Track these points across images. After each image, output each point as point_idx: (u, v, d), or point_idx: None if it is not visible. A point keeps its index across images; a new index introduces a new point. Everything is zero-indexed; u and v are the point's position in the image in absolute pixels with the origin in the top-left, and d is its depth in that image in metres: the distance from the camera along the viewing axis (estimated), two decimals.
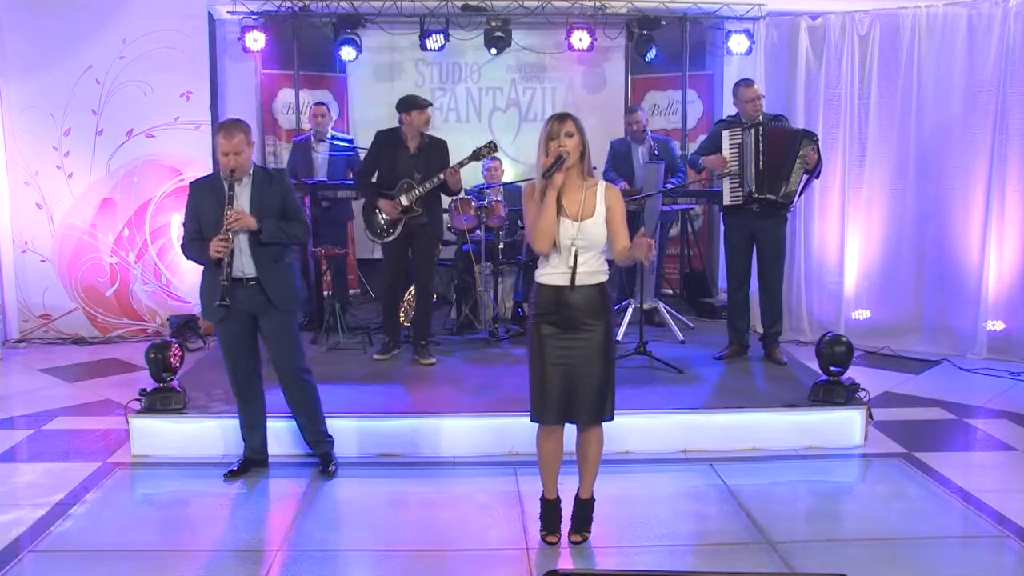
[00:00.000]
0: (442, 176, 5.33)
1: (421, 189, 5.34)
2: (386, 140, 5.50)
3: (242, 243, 3.95)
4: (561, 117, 3.25)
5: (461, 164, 5.39)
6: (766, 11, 7.20)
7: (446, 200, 5.94)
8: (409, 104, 5.39)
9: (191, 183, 4.11)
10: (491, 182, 6.89)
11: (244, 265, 3.96)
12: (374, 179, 5.54)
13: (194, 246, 4.00)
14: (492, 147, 5.44)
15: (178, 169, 7.08)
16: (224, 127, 3.93)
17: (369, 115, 7.94)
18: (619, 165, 6.79)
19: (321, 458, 4.25)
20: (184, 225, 4.10)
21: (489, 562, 3.38)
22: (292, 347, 4.13)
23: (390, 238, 5.47)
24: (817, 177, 5.58)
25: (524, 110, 8.22)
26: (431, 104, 5.39)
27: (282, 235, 4.00)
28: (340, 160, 6.89)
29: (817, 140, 5.40)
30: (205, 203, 3.97)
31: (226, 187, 3.88)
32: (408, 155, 5.41)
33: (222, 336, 4.10)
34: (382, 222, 5.46)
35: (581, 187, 3.27)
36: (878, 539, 3.58)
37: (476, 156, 5.41)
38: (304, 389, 4.18)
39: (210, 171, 7.05)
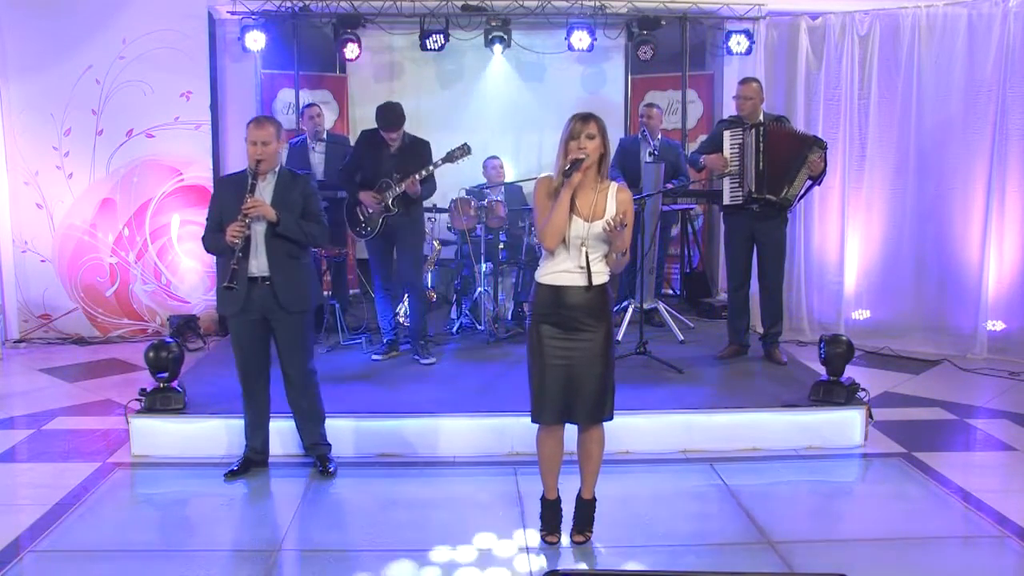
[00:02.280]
0: (423, 173, 5.35)
1: (399, 188, 5.37)
2: (368, 140, 5.54)
3: (258, 237, 3.97)
4: (584, 118, 3.23)
5: (436, 165, 5.42)
6: (766, 11, 7.20)
7: (447, 200, 5.94)
8: (377, 116, 5.39)
9: (218, 178, 4.14)
10: (492, 182, 6.88)
11: (259, 263, 3.98)
12: (358, 178, 5.56)
13: (213, 237, 4.06)
14: (465, 149, 5.49)
15: (178, 169, 7.08)
16: (256, 119, 4.09)
17: (369, 115, 7.82)
18: (627, 163, 6.76)
19: (317, 459, 4.25)
20: (207, 218, 4.15)
21: (489, 562, 3.38)
22: (302, 348, 4.13)
23: (368, 236, 5.52)
24: (819, 184, 5.57)
25: (524, 110, 8.18)
26: (396, 128, 5.37)
27: (299, 231, 4.01)
28: (337, 160, 6.88)
29: (826, 148, 5.37)
30: (228, 197, 4.02)
31: (249, 178, 3.94)
32: (388, 154, 5.44)
33: (234, 335, 4.11)
34: (361, 218, 5.50)
35: (595, 188, 3.28)
36: (878, 539, 3.58)
37: (450, 158, 5.46)
38: (309, 389, 4.18)
39: (210, 171, 7.12)
